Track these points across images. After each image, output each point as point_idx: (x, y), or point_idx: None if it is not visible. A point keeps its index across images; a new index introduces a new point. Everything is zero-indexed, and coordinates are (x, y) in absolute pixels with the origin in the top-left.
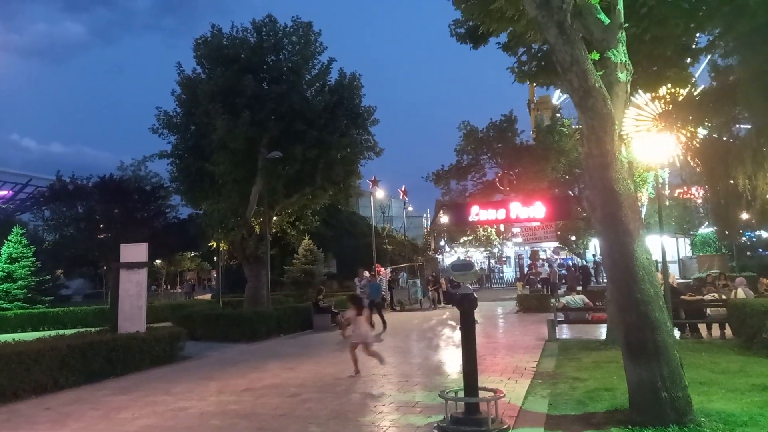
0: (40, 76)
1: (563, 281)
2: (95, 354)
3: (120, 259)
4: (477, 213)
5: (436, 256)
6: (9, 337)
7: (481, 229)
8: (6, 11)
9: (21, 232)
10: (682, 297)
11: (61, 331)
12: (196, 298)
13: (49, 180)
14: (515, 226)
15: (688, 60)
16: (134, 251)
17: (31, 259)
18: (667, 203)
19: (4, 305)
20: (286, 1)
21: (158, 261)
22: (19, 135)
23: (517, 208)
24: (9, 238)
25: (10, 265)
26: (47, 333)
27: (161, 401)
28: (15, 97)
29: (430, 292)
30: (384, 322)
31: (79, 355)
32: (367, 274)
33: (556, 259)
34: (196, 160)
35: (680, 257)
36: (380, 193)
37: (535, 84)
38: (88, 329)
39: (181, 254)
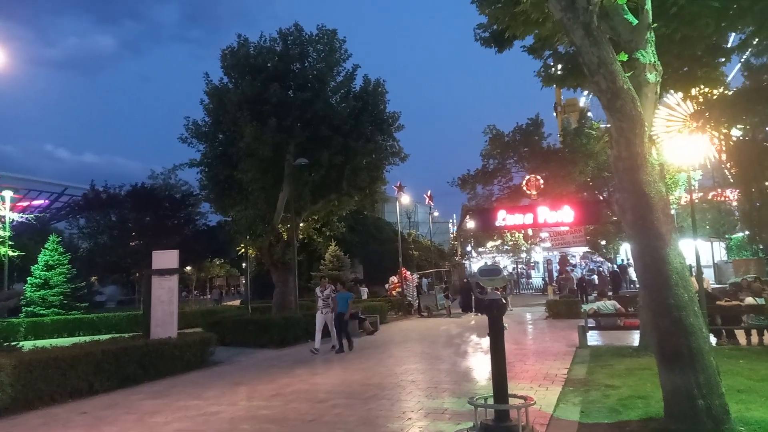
0: (72, 88)
1: (593, 286)
2: (129, 359)
3: (152, 265)
4: (504, 218)
5: (463, 261)
6: (46, 342)
7: (508, 234)
8: (40, 26)
9: (57, 240)
10: (718, 302)
11: (95, 337)
12: (224, 304)
13: (84, 189)
14: (543, 230)
15: (720, 60)
16: (166, 258)
17: (66, 266)
18: (704, 205)
19: (41, 311)
20: (310, 10)
21: (188, 268)
22: (53, 145)
23: (545, 213)
24: (46, 246)
25: (46, 273)
26: (82, 339)
27: (193, 405)
28: (49, 109)
29: (451, 300)
30: (350, 342)
31: (114, 360)
32: (332, 285)
33: (586, 264)
34: (225, 167)
35: (715, 262)
36: (406, 199)
37: (561, 87)
38: (122, 335)
39: (210, 261)
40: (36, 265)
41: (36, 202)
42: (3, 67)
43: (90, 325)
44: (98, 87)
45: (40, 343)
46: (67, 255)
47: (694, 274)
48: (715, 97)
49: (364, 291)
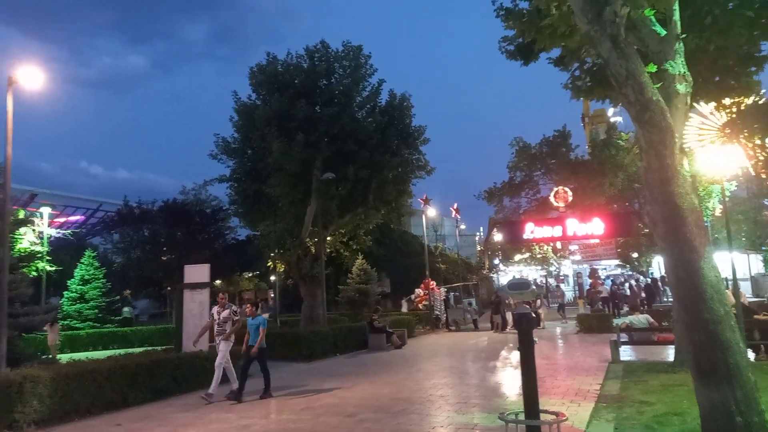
0: (105, 106)
1: (625, 300)
2: (162, 372)
3: (184, 279)
4: (532, 230)
5: (491, 275)
6: (81, 355)
7: (536, 247)
8: (76, 47)
9: (92, 255)
10: (756, 317)
11: (129, 350)
12: None
13: (117, 205)
14: (572, 243)
15: (752, 69)
16: (197, 272)
17: (101, 280)
18: (739, 217)
19: (76, 325)
20: (336, 27)
21: (218, 281)
22: (88, 162)
23: (574, 225)
24: (81, 260)
25: (82, 287)
26: (116, 352)
27: (224, 419)
28: (83, 127)
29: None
30: (267, 381)
31: (147, 373)
32: (231, 304)
33: (618, 277)
34: (254, 183)
35: (752, 274)
36: (432, 212)
37: (589, 99)
38: (154, 348)
39: (240, 274)
40: (72, 280)
41: (72, 218)
42: (42, 87)
43: (123, 338)
44: (130, 105)
45: (76, 355)
46: (102, 269)
47: (730, 287)
48: (747, 106)
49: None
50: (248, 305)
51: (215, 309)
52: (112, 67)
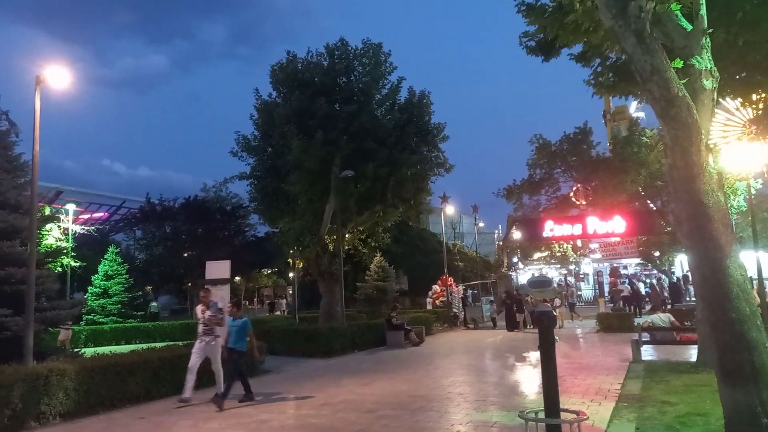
0: (127, 105)
1: (647, 299)
2: (184, 366)
3: (205, 275)
4: (551, 228)
5: (509, 273)
6: (105, 349)
7: (556, 245)
8: (99, 48)
9: (116, 251)
10: None
11: (151, 345)
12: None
13: (140, 202)
14: (593, 241)
15: None
16: (218, 268)
17: (124, 276)
18: (765, 215)
19: (100, 319)
20: (354, 24)
21: (237, 278)
22: (110, 160)
23: (595, 223)
24: (105, 256)
25: (106, 282)
26: (139, 346)
27: (245, 413)
28: (106, 126)
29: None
30: (228, 388)
31: (169, 367)
32: (217, 303)
33: (640, 276)
34: (273, 180)
35: None
36: (450, 210)
37: (612, 95)
38: (176, 343)
39: (259, 271)
40: (96, 275)
41: (96, 215)
42: (68, 87)
43: (146, 333)
44: (151, 104)
45: (100, 350)
46: (125, 265)
47: (755, 286)
48: None
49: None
50: (229, 304)
51: (199, 308)
52: (133, 67)
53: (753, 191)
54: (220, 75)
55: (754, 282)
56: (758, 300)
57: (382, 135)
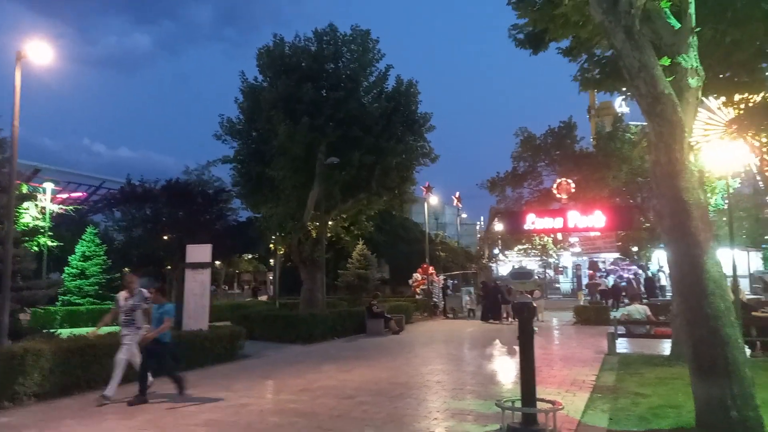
0: (110, 85)
1: (624, 293)
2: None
3: (186, 259)
4: (533, 221)
5: (490, 264)
6: (82, 330)
7: (537, 238)
8: (83, 25)
9: (94, 232)
10: (754, 313)
11: None
12: (252, 299)
13: (120, 183)
14: (573, 235)
15: (764, 65)
16: (199, 252)
17: (102, 257)
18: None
19: (76, 300)
20: (343, 10)
21: (218, 262)
22: (91, 140)
23: (576, 217)
24: (83, 237)
25: (83, 263)
26: (117, 328)
27: (223, 397)
28: (87, 105)
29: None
30: (143, 386)
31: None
32: (142, 289)
33: (617, 270)
34: (257, 165)
35: (751, 272)
36: (434, 200)
37: (598, 91)
38: None
39: (239, 256)
40: (73, 256)
41: (75, 195)
42: (49, 63)
43: None
44: (134, 85)
45: (76, 331)
46: (103, 247)
47: (730, 284)
48: (756, 103)
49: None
50: (152, 289)
51: (121, 294)
52: (117, 47)
53: (731, 190)
54: (206, 57)
55: (729, 280)
56: (732, 297)
57: (369, 123)
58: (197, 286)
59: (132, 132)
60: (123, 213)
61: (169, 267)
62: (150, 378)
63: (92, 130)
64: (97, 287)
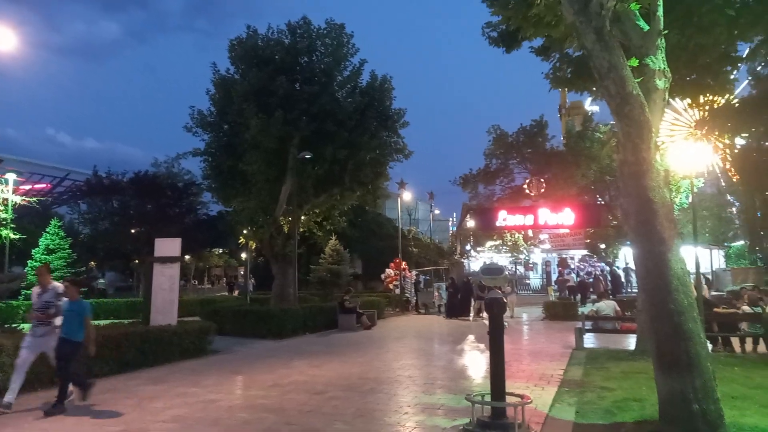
0: (76, 74)
1: (591, 289)
2: (129, 345)
3: (154, 253)
4: (504, 218)
5: (462, 260)
6: None
7: (508, 235)
8: (47, 11)
9: (59, 224)
10: (716, 309)
11: (94, 323)
12: (222, 294)
13: (86, 174)
14: (543, 232)
15: (728, 68)
16: (168, 246)
17: (67, 250)
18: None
19: None
20: (317, 4)
21: (187, 257)
22: (55, 130)
23: (546, 215)
24: (47, 230)
25: (47, 256)
26: None
27: (191, 393)
28: (52, 94)
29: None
30: (63, 392)
31: (114, 345)
32: (57, 284)
33: (585, 267)
34: (229, 158)
35: (713, 269)
36: (407, 196)
37: (569, 90)
38: (121, 321)
39: (210, 250)
40: (37, 249)
41: (38, 186)
42: (11, 51)
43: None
44: (102, 74)
45: None
46: (68, 240)
47: (693, 281)
48: (720, 105)
49: None
50: (65, 282)
51: (34, 290)
52: (84, 34)
53: (695, 189)
54: (176, 47)
55: (692, 277)
56: (695, 293)
57: (343, 117)
58: (166, 281)
59: (99, 122)
60: (89, 205)
61: (136, 261)
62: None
63: (57, 120)
64: (61, 281)
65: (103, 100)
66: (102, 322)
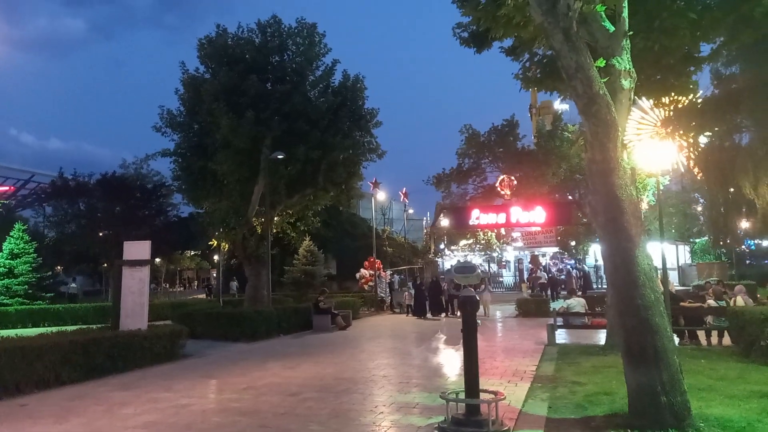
0: (38, 70)
1: (562, 286)
2: (97, 350)
3: (123, 256)
4: (477, 217)
5: (436, 259)
6: (11, 332)
7: (481, 233)
8: (7, 4)
9: (23, 228)
10: (682, 304)
11: (61, 328)
12: (195, 297)
13: (51, 176)
14: (515, 230)
15: (692, 68)
16: (137, 249)
17: (32, 255)
18: (670, 210)
19: (4, 301)
20: (289, 2)
21: (158, 259)
22: (17, 130)
23: (518, 213)
24: (11, 234)
25: (11, 261)
26: (48, 329)
27: (163, 398)
28: (13, 92)
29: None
30: None
31: (81, 350)
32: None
33: (556, 264)
34: (199, 158)
35: (680, 264)
36: (381, 195)
37: (539, 90)
38: (89, 326)
39: (181, 253)
40: (0, 254)
41: (1, 189)
42: None
43: (56, 315)
44: (66, 70)
45: (4, 332)
46: (33, 244)
47: (659, 275)
48: (684, 104)
49: None
50: None
51: None
52: (47, 29)
53: (661, 187)
54: (144, 43)
55: (659, 271)
56: (662, 288)
57: (315, 117)
58: (135, 284)
59: (64, 122)
60: (54, 208)
61: (105, 264)
62: None
63: (20, 119)
64: (26, 287)
65: (68, 98)
66: (70, 328)
